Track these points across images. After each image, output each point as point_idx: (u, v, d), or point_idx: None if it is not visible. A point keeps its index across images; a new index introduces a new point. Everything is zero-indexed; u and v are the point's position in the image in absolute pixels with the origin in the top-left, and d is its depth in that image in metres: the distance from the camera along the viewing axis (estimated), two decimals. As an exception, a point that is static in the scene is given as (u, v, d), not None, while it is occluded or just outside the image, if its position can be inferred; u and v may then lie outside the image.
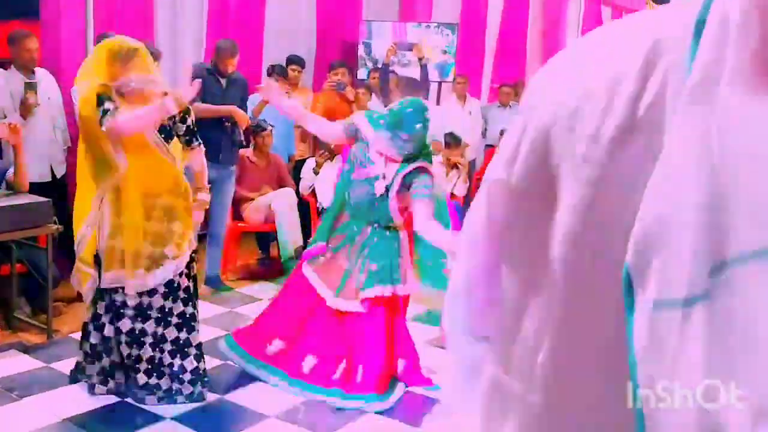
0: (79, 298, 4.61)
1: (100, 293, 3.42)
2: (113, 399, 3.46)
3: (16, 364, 3.85)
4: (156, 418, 3.31)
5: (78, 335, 3.70)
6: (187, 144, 3.48)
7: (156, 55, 4.29)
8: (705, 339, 0.46)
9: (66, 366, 3.76)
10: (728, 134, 0.48)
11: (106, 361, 3.48)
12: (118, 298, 3.39)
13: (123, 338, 3.41)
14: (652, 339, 0.48)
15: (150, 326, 3.40)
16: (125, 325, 3.40)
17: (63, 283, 4.39)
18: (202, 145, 3.57)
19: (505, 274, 0.68)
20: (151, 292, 3.39)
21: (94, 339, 3.46)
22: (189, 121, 3.45)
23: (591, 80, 0.60)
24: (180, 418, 3.33)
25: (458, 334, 0.74)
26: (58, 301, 4.53)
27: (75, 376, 3.59)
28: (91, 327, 3.47)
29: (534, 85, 0.70)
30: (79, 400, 3.44)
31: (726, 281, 0.46)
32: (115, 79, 3.24)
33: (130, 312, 3.39)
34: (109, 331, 3.42)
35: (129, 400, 3.46)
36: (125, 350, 3.42)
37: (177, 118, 3.37)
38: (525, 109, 0.69)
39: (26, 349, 4.05)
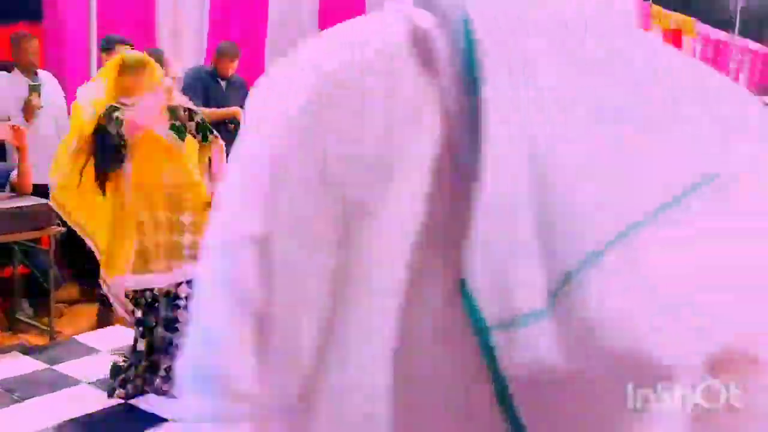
0: (81, 300, 4.63)
1: (136, 299, 3.44)
2: (116, 401, 3.46)
3: (17, 365, 3.86)
4: (158, 420, 3.31)
5: (80, 337, 3.70)
6: (204, 139, 3.50)
7: (166, 63, 4.33)
8: (563, 348, 0.46)
9: (68, 368, 3.77)
10: (550, 141, 0.48)
11: (132, 370, 3.50)
12: (148, 293, 3.43)
13: (159, 328, 3.45)
14: (515, 357, 0.47)
15: (181, 314, 3.44)
16: (160, 312, 3.45)
17: (65, 285, 4.39)
18: (219, 137, 3.59)
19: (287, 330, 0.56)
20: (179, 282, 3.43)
21: (141, 346, 3.47)
22: (198, 118, 3.48)
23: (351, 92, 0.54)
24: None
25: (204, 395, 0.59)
26: (61, 303, 4.54)
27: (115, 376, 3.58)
28: (137, 334, 3.48)
29: (269, 98, 0.58)
30: (80, 402, 3.45)
31: (573, 289, 0.46)
32: (125, 91, 3.30)
33: (163, 301, 3.44)
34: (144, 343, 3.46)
35: (132, 402, 3.46)
36: (161, 335, 3.45)
37: (186, 117, 3.41)
38: (262, 131, 0.57)
39: (28, 351, 4.05)
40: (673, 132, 0.49)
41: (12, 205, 4.04)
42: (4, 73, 4.70)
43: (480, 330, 0.47)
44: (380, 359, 0.53)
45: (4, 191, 4.32)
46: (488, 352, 0.47)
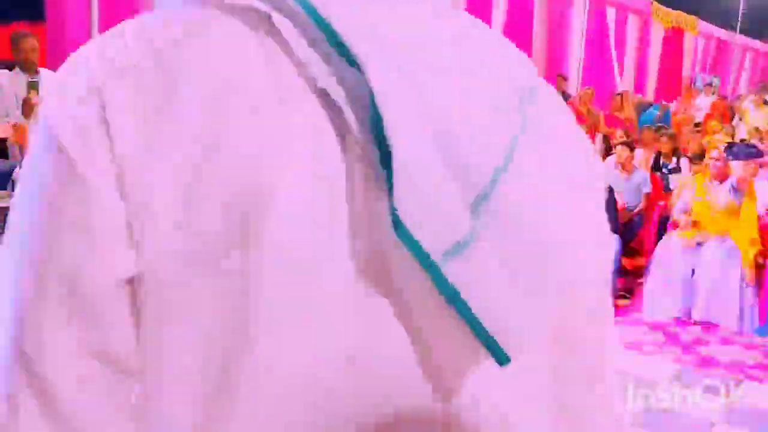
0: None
1: None
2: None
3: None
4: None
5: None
6: None
7: None
8: (503, 268, 0.50)
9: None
10: (430, 84, 0.51)
11: None
12: None
13: None
14: (470, 284, 0.49)
15: None
16: None
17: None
18: None
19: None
20: None
21: None
22: None
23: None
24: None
25: None
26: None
27: None
28: None
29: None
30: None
31: (492, 201, 0.50)
32: None
33: None
34: None
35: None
36: None
37: None
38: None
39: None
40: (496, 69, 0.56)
41: (14, 203, 4.05)
42: (5, 71, 4.72)
43: (429, 265, 0.48)
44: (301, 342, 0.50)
45: (6, 189, 4.33)
46: (442, 283, 0.48)
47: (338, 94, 0.50)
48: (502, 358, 0.50)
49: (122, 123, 0.48)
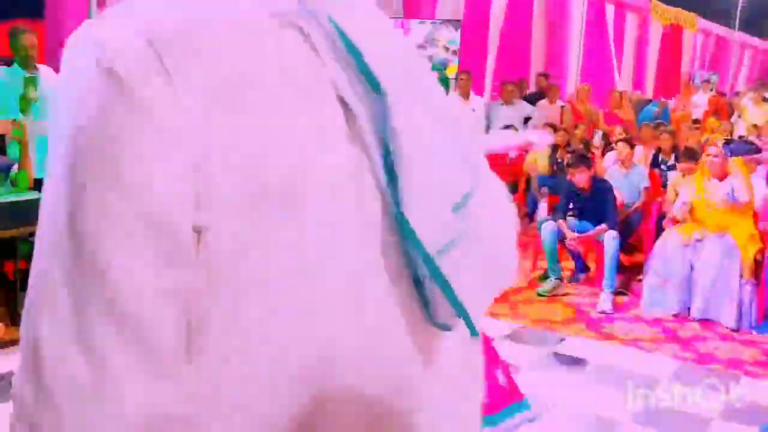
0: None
1: None
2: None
3: (18, 359, 3.85)
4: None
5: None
6: None
7: None
8: (467, 272, 0.60)
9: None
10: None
11: None
12: None
13: None
14: (458, 272, 0.59)
15: None
16: None
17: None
18: None
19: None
20: None
21: None
22: None
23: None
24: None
25: None
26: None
27: None
28: None
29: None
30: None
31: (468, 212, 0.59)
32: None
33: None
34: None
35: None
36: None
37: None
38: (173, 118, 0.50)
39: (30, 345, 4.05)
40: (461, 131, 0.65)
41: (13, 199, 4.05)
42: (4, 67, 4.71)
43: (426, 258, 0.57)
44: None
45: (4, 185, 4.33)
46: (437, 275, 0.57)
47: (354, 103, 0.56)
48: (475, 332, 0.62)
49: (180, 78, 0.51)
